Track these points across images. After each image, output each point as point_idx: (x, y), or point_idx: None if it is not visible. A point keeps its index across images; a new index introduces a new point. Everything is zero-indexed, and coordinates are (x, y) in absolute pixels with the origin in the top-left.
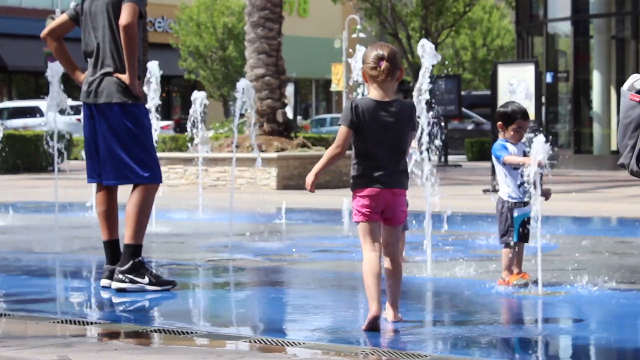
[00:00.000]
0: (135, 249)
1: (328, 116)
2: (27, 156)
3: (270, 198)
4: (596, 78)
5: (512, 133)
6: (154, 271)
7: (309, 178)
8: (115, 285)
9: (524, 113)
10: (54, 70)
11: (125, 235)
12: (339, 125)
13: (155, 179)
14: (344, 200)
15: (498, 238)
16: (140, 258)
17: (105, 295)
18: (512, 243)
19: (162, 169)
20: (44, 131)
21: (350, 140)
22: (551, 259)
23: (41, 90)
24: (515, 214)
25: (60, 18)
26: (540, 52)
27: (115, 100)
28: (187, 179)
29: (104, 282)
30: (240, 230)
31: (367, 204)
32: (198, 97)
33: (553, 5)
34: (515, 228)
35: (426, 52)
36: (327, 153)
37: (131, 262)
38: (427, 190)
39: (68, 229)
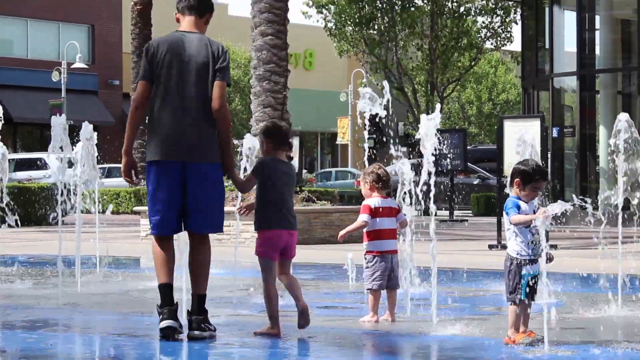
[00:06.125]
0: (205, 299)
1: (333, 170)
2: (32, 208)
3: None
4: (602, 133)
5: (527, 192)
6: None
7: None
8: (203, 334)
9: (544, 174)
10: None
11: (200, 285)
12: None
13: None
14: (348, 255)
15: (505, 295)
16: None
17: (111, 349)
18: (519, 301)
19: None
20: (49, 183)
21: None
22: (557, 316)
23: (46, 142)
24: (524, 272)
25: None
26: (546, 107)
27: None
28: None
29: (169, 322)
30: (244, 285)
31: (272, 242)
32: None
33: (559, 60)
34: (523, 286)
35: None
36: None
37: (207, 312)
38: (432, 245)
39: (72, 284)
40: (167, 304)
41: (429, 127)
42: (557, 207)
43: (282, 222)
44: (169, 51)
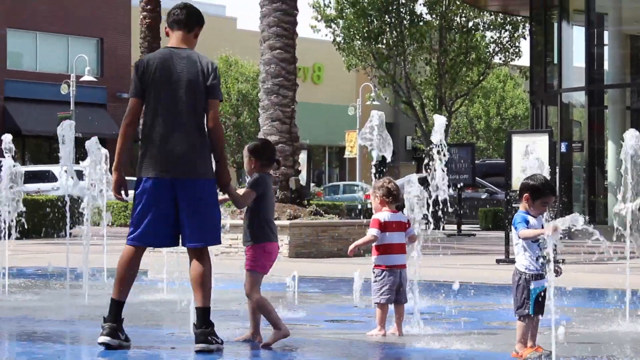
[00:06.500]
0: (209, 311)
1: (341, 183)
2: (40, 221)
3: (282, 266)
4: (611, 148)
5: (536, 207)
6: None
7: None
8: (210, 347)
9: (552, 189)
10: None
11: (203, 298)
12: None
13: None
14: (356, 269)
15: (513, 310)
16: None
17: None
18: (527, 315)
19: None
20: (57, 196)
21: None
22: (565, 331)
23: (54, 154)
24: (532, 286)
25: None
26: (554, 122)
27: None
28: None
29: (105, 339)
30: None
31: (269, 255)
32: None
33: (567, 75)
34: (532, 300)
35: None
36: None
37: (213, 324)
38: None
39: (79, 296)
40: (111, 320)
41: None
42: (565, 222)
43: (275, 235)
44: (159, 68)
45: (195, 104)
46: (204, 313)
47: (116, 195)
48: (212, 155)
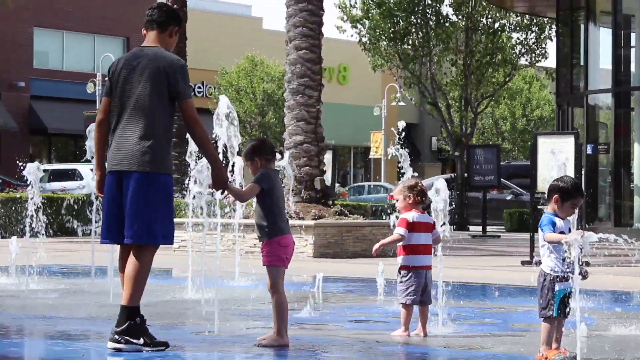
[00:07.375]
0: (131, 311)
1: (366, 184)
2: (66, 219)
3: (306, 266)
4: (637, 150)
5: (565, 209)
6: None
7: None
8: (111, 345)
9: (581, 190)
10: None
11: (123, 297)
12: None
13: (171, 240)
14: (380, 269)
15: (538, 311)
16: (136, 320)
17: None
18: (552, 317)
19: (199, 234)
20: (83, 194)
21: None
22: (590, 334)
23: (80, 153)
24: (557, 288)
25: None
26: (580, 124)
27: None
28: (224, 245)
29: (111, 344)
30: None
31: (286, 248)
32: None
33: (594, 77)
34: (556, 302)
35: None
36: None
37: (127, 324)
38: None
39: (103, 294)
40: (120, 324)
41: None
42: (593, 237)
43: (288, 228)
44: (124, 67)
45: (154, 97)
46: (122, 311)
47: (99, 194)
48: (170, 152)
